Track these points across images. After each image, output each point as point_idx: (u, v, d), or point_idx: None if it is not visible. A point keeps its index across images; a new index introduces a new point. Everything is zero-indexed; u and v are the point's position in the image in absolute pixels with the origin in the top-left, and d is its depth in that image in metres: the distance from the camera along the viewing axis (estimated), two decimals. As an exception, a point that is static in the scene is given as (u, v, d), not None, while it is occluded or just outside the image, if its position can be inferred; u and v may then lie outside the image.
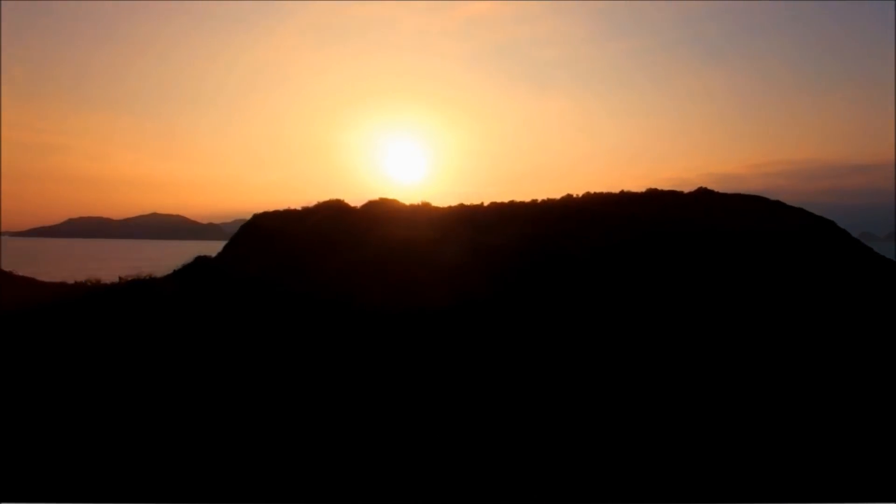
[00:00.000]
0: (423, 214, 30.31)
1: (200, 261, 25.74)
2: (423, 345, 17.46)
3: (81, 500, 9.46)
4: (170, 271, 26.12)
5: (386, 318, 19.33)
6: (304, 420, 12.64)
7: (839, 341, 18.30)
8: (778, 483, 10.26)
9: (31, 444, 11.28)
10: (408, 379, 15.02)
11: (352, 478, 10.30)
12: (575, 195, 34.03)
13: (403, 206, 31.33)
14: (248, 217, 31.29)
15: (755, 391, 14.52)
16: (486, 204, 32.52)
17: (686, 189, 34.56)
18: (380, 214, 29.44)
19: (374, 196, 31.53)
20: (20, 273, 30.00)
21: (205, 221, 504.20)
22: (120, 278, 24.59)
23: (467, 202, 32.45)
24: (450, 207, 31.70)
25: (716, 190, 34.22)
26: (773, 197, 33.29)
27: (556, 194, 34.44)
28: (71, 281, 27.94)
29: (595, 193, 34.24)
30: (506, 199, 33.03)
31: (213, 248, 31.98)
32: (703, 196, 33.36)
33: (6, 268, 30.42)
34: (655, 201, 32.27)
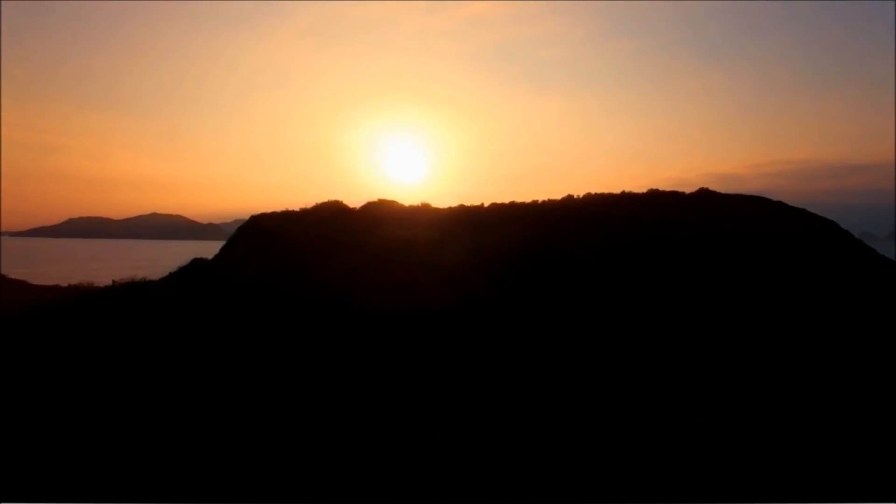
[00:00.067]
0: (423, 215, 30.19)
1: (197, 263, 25.58)
2: (424, 346, 17.38)
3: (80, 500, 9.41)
4: (169, 271, 25.99)
5: (386, 318, 19.24)
6: (305, 422, 12.55)
7: (844, 343, 18.19)
8: (778, 483, 10.24)
9: (23, 446, 11.17)
10: (409, 380, 14.97)
11: (352, 478, 10.28)
12: (576, 196, 33.97)
13: (403, 207, 31.21)
14: (248, 217, 31.18)
15: (759, 392, 14.42)
16: (486, 205, 32.39)
17: (686, 189, 34.60)
18: (379, 215, 29.32)
19: (374, 196, 31.48)
20: (13, 276, 29.86)
21: (205, 221, 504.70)
22: (114, 281, 24.40)
23: (467, 202, 32.36)
24: (450, 208, 31.58)
25: (716, 190, 34.22)
26: (773, 197, 33.27)
27: (557, 195, 34.41)
28: (64, 284, 27.80)
29: (596, 194, 34.17)
30: (506, 200, 32.95)
31: (213, 248, 31.91)
32: (704, 197, 33.28)
33: (6, 267, 30.35)
34: (657, 202, 32.18)
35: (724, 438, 11.92)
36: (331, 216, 29.22)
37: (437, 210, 31.35)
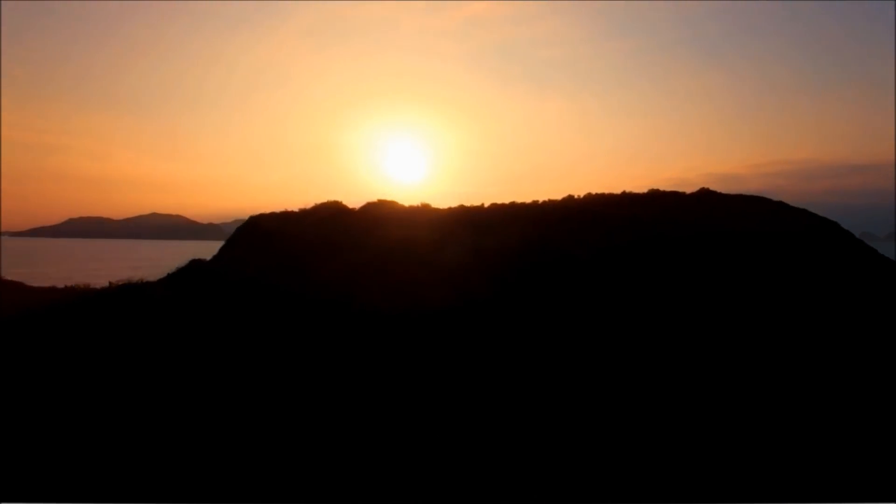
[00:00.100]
0: (423, 216, 30.09)
1: (195, 264, 25.48)
2: (424, 346, 17.35)
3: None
4: (169, 271, 25.92)
5: (386, 318, 19.19)
6: (305, 422, 12.51)
7: (846, 344, 18.14)
8: (778, 483, 10.25)
9: (22, 447, 11.12)
10: (409, 380, 14.94)
11: (353, 478, 10.28)
12: (576, 196, 33.86)
13: (402, 207, 31.11)
14: (248, 218, 31.08)
15: (760, 393, 14.37)
16: (486, 205, 32.28)
17: (687, 189, 34.48)
18: (379, 216, 29.23)
19: (375, 197, 31.37)
20: (10, 277, 29.85)
21: (205, 221, 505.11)
22: (110, 283, 24.27)
23: (467, 202, 32.25)
24: (450, 209, 31.48)
25: (716, 190, 34.12)
26: (773, 197, 33.14)
27: (557, 195, 34.29)
28: (61, 285, 27.72)
29: (596, 194, 34.05)
30: (506, 200, 32.83)
31: (213, 248, 31.86)
32: (705, 197, 33.17)
33: (6, 267, 30.35)
34: (657, 202, 32.07)
35: (725, 439, 11.91)
36: (330, 216, 29.13)
37: (437, 210, 31.24)
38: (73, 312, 20.26)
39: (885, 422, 12.88)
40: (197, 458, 10.82)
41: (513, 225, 27.93)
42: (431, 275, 22.43)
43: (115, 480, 10.05)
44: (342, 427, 12.23)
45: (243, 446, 11.34)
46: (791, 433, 12.26)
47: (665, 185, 55.08)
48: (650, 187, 34.32)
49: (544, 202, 32.82)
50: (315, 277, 22.83)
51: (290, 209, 30.66)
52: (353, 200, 31.16)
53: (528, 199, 32.90)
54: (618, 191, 34.28)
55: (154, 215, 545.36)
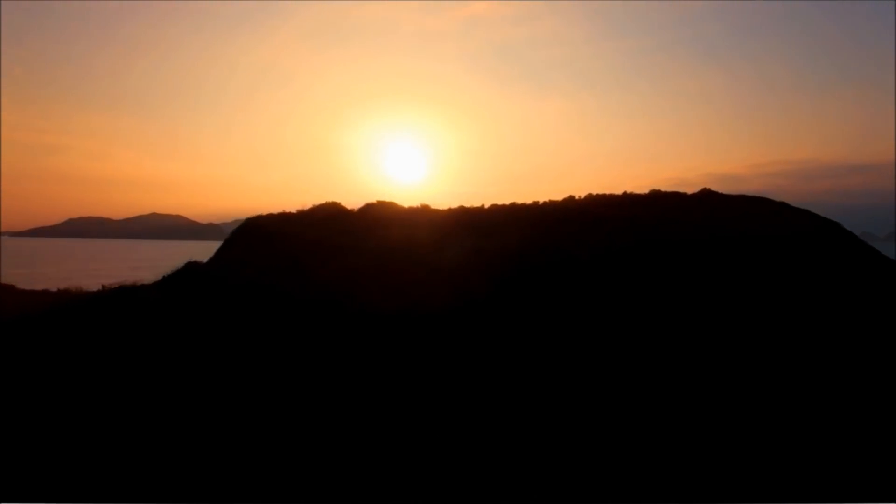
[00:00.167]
0: (423, 217, 29.97)
1: (191, 266, 25.31)
2: (424, 346, 17.34)
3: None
4: (167, 272, 25.80)
5: (386, 319, 19.14)
6: (304, 422, 12.47)
7: (850, 345, 18.03)
8: (778, 483, 10.26)
9: (19, 448, 11.04)
10: (409, 380, 14.94)
11: (352, 479, 10.27)
12: (577, 197, 33.67)
13: (402, 208, 30.97)
14: (246, 219, 30.92)
15: (761, 394, 14.28)
16: (486, 206, 32.13)
17: (687, 189, 34.19)
18: (378, 217, 29.11)
19: (375, 197, 31.20)
20: (8, 277, 29.77)
21: (205, 221, 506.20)
22: (103, 286, 24.07)
23: (467, 203, 32.07)
24: (450, 209, 31.34)
25: (717, 190, 33.88)
26: (773, 197, 32.81)
27: (557, 195, 34.05)
28: (55, 288, 27.60)
29: (597, 195, 33.84)
30: (506, 201, 32.61)
31: (213, 248, 31.75)
32: (707, 198, 32.97)
33: (5, 268, 30.30)
34: (658, 203, 31.88)
35: (726, 440, 11.91)
36: (329, 217, 29.01)
37: (436, 211, 31.12)
38: (64, 317, 20.08)
39: (889, 422, 12.82)
40: (195, 458, 10.75)
41: (513, 226, 27.82)
42: (431, 275, 22.36)
43: (115, 480, 10.00)
44: (342, 428, 12.25)
45: (243, 446, 11.28)
46: (793, 434, 12.24)
47: (665, 186, 55.04)
48: (650, 187, 34.11)
49: (544, 203, 32.65)
50: (314, 278, 22.73)
51: (288, 210, 30.54)
52: (353, 201, 31.04)
53: (528, 200, 32.72)
54: (618, 191, 34.05)
55: (154, 215, 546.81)
